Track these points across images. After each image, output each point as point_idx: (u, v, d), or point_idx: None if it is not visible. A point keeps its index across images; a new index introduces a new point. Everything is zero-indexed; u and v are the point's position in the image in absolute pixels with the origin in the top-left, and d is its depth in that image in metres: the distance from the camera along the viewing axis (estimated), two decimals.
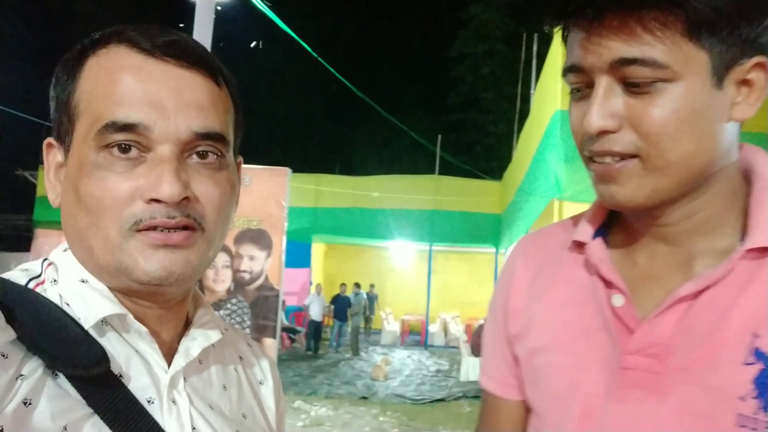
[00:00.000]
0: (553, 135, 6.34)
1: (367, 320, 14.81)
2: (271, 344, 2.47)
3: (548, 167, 6.64)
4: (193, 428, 0.66)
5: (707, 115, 0.65)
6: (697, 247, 0.72)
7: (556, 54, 6.32)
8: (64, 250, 0.69)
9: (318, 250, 15.91)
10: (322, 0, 26.58)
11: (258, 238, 2.48)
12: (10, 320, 0.56)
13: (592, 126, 0.66)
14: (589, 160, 0.70)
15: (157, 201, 0.61)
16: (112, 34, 0.66)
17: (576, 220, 0.85)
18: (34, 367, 0.57)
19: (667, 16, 0.62)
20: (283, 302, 11.57)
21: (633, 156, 0.66)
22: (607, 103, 0.66)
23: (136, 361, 0.65)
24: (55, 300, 0.63)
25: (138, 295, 0.66)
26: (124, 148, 0.62)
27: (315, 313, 12.90)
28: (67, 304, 0.63)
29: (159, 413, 0.64)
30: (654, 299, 0.71)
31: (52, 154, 0.68)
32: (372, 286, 15.33)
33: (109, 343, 0.63)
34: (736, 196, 0.71)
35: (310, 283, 14.46)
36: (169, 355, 0.68)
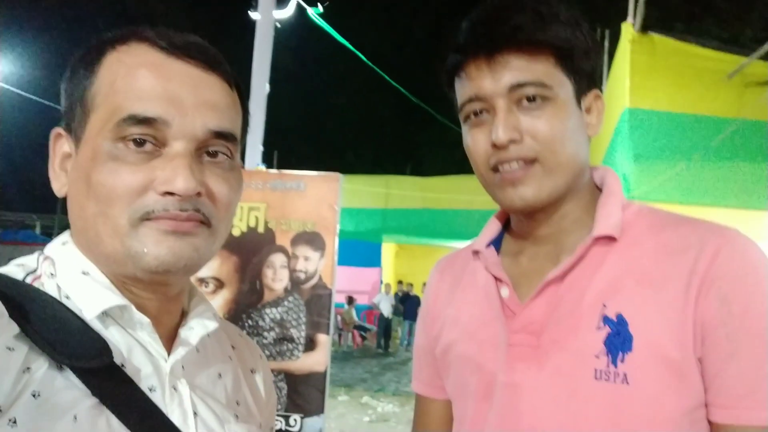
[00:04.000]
0: (623, 133, 6.22)
1: None
2: (324, 340, 2.60)
3: (618, 166, 6.49)
4: (195, 414, 0.68)
5: (578, 127, 0.84)
6: (565, 244, 0.87)
7: (624, 51, 6.17)
8: (63, 244, 0.69)
9: (388, 250, 16.07)
10: (394, 4, 26.72)
11: (312, 239, 2.60)
12: (14, 315, 0.56)
13: (502, 138, 0.80)
14: (494, 171, 0.83)
15: (171, 194, 0.62)
16: (131, 32, 0.67)
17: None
18: (40, 361, 0.57)
19: (542, 51, 0.81)
20: (354, 300, 11.34)
21: (534, 161, 0.82)
22: (510, 119, 0.81)
23: (138, 350, 0.65)
24: (53, 293, 0.63)
25: (140, 285, 0.67)
26: (140, 142, 0.62)
27: (384, 311, 13.11)
28: (67, 297, 0.64)
29: (161, 401, 0.65)
30: (532, 288, 0.85)
31: (59, 144, 0.69)
32: None
33: (111, 333, 0.64)
34: (592, 204, 0.88)
35: (381, 283, 14.65)
36: (167, 344, 0.69)
